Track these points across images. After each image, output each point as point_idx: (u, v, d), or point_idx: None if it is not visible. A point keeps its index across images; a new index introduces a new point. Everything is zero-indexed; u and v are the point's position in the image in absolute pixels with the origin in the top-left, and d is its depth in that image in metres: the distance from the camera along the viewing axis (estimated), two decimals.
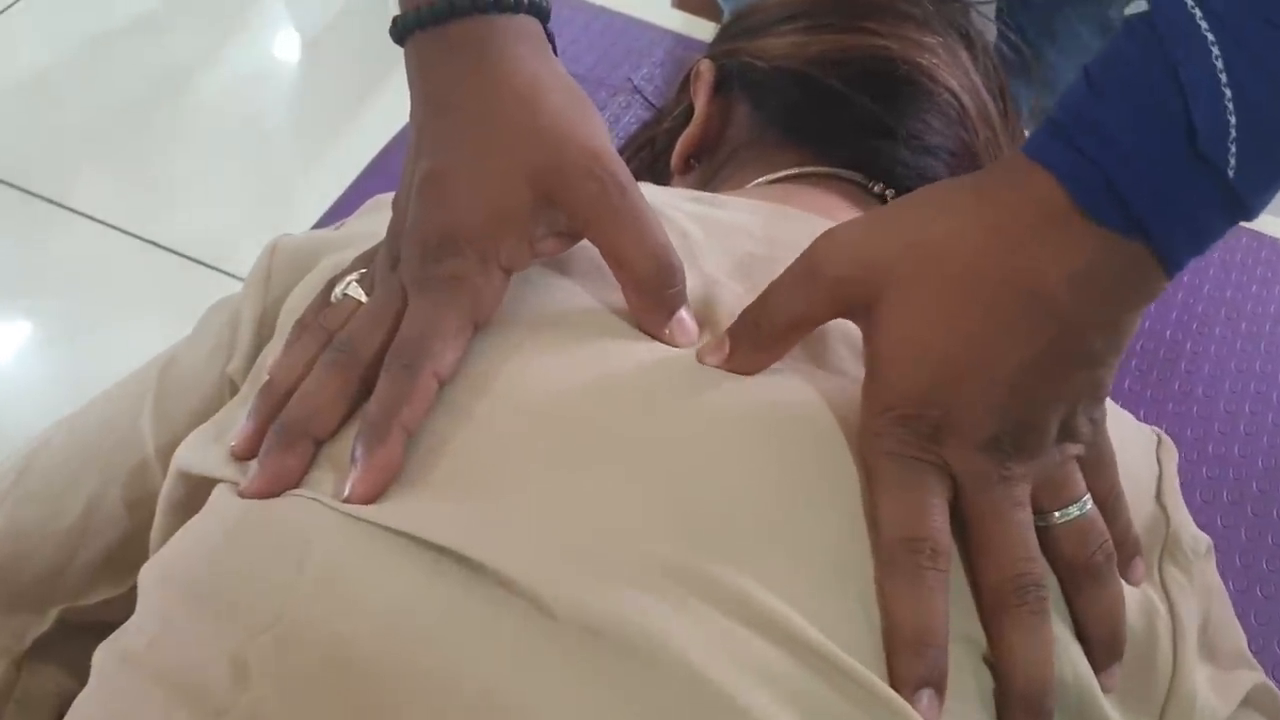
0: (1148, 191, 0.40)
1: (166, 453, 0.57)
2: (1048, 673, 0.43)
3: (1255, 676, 0.53)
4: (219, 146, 1.65)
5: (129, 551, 0.57)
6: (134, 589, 0.55)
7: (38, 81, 1.75)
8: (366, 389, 0.45)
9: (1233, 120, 0.39)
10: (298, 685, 0.39)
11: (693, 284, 0.51)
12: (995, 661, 0.43)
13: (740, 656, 0.38)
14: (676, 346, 0.48)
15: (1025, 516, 0.44)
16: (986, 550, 0.43)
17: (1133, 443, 0.55)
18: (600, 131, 0.49)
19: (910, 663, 0.40)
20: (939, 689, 0.40)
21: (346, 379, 0.45)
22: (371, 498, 0.42)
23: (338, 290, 0.50)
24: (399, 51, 0.51)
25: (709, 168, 0.69)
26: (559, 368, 0.46)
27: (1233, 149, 0.40)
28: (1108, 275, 0.42)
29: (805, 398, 0.47)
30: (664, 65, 1.03)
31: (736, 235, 0.55)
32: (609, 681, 0.38)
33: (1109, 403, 0.56)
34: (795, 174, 0.63)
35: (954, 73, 0.66)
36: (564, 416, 0.44)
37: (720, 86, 0.70)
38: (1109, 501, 0.47)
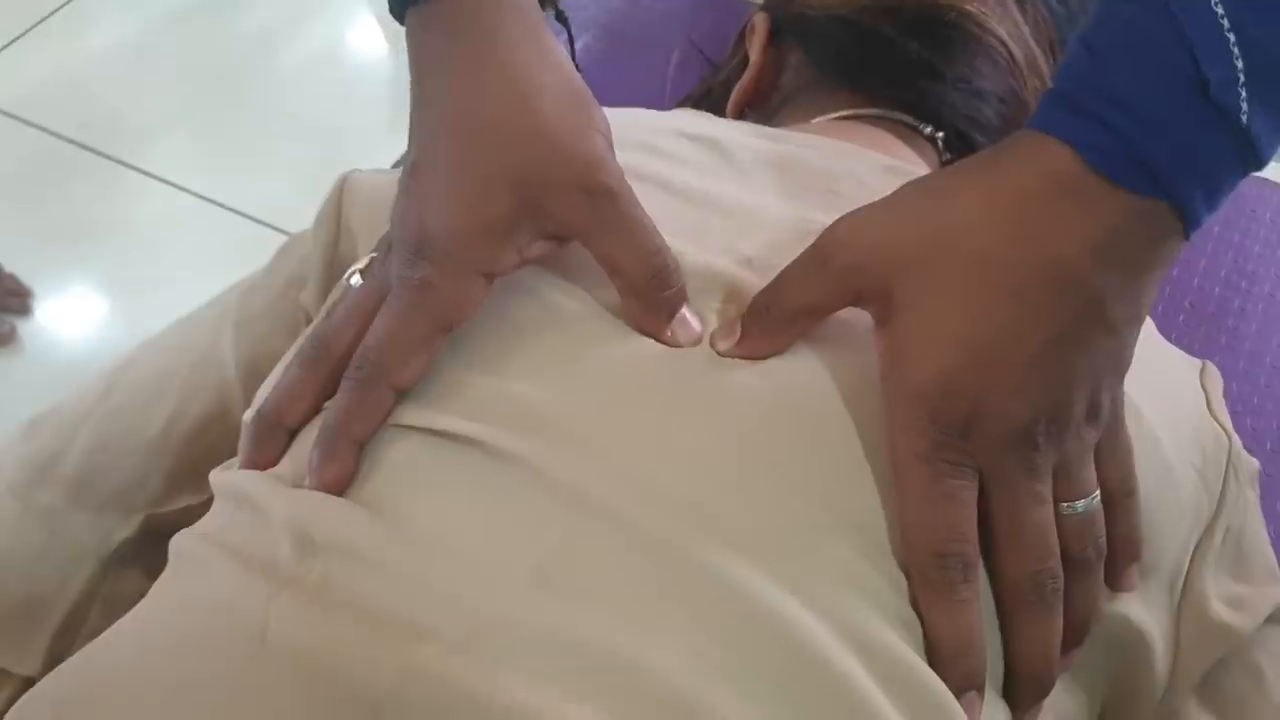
0: (1167, 149, 0.40)
1: (245, 372, 0.61)
2: (1054, 655, 0.45)
3: None
4: (296, 116, 1.69)
5: (208, 463, 0.61)
6: (213, 498, 0.59)
7: (121, 52, 1.81)
8: (334, 381, 0.47)
9: (1240, 65, 0.39)
10: (359, 556, 0.42)
11: (742, 205, 0.53)
12: (1007, 642, 0.45)
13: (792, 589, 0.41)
14: (679, 346, 0.48)
15: (1047, 513, 0.44)
16: (1008, 547, 0.44)
17: (1176, 370, 0.56)
18: (593, 129, 0.47)
19: (952, 672, 0.42)
20: (980, 689, 0.43)
21: (315, 375, 0.48)
22: None
23: (344, 278, 0.52)
24: None
25: (763, 115, 0.71)
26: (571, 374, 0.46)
27: (1243, 94, 0.40)
28: (1129, 241, 0.42)
29: (821, 383, 0.46)
30: (722, 26, 1.05)
31: (794, 167, 0.56)
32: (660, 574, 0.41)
33: (1155, 335, 0.57)
34: (848, 115, 0.65)
35: (1003, 22, 0.67)
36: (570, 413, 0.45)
37: (774, 37, 0.72)
38: (1118, 496, 0.47)
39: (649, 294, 0.47)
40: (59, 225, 1.54)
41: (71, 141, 1.63)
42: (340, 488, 0.44)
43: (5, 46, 1.77)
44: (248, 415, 0.54)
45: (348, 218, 0.59)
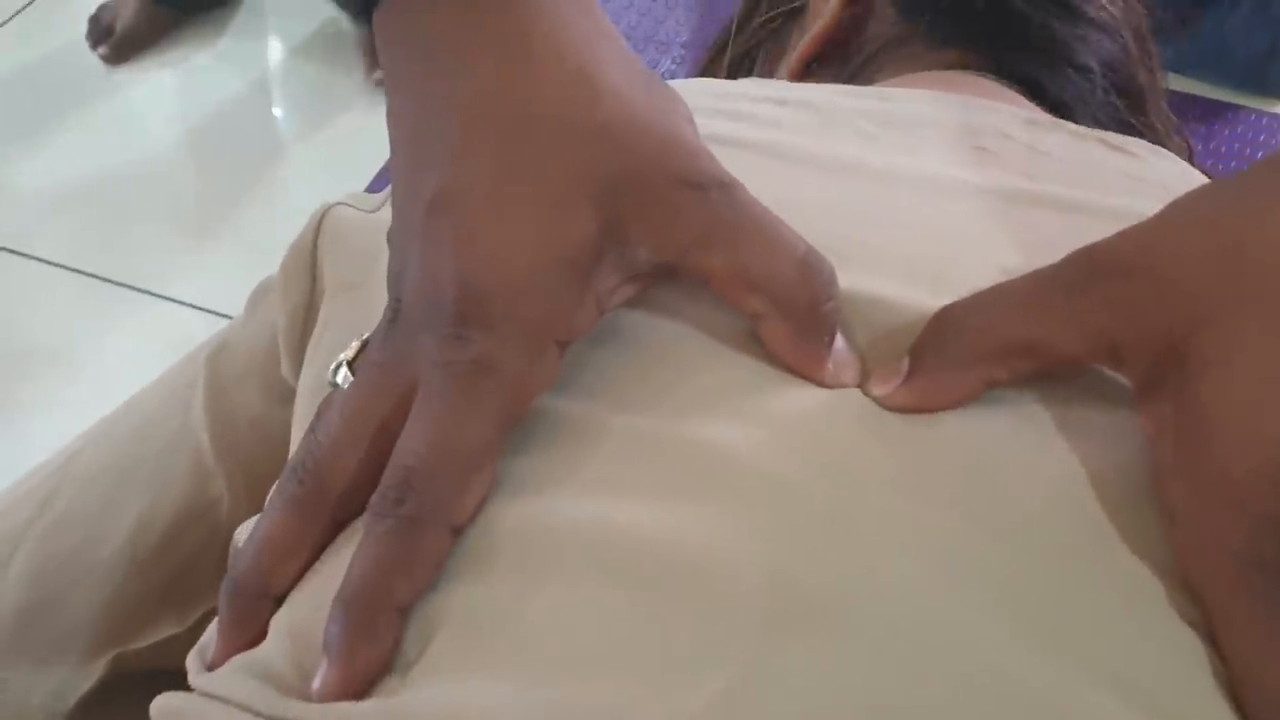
0: None
1: (226, 454, 0.48)
2: None
3: None
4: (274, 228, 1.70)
5: (189, 578, 0.47)
6: (199, 624, 0.46)
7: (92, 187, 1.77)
8: (338, 525, 0.34)
9: None
10: None
11: (894, 170, 0.42)
12: None
13: None
14: (841, 386, 0.35)
15: None
16: None
17: None
18: (679, 115, 0.36)
19: None
20: None
21: (308, 522, 0.34)
22: (346, 698, 0.31)
23: (328, 374, 0.37)
24: None
25: (838, 73, 0.60)
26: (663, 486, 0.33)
27: None
28: None
29: (1067, 469, 0.33)
30: (709, 14, 0.95)
31: (921, 126, 0.45)
32: None
33: None
34: (956, 70, 0.54)
35: None
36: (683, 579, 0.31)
37: None
38: None
39: (805, 308, 0.34)
40: None
41: None
42: (373, 678, 0.31)
43: None
44: (238, 533, 0.40)
45: (324, 268, 0.45)
